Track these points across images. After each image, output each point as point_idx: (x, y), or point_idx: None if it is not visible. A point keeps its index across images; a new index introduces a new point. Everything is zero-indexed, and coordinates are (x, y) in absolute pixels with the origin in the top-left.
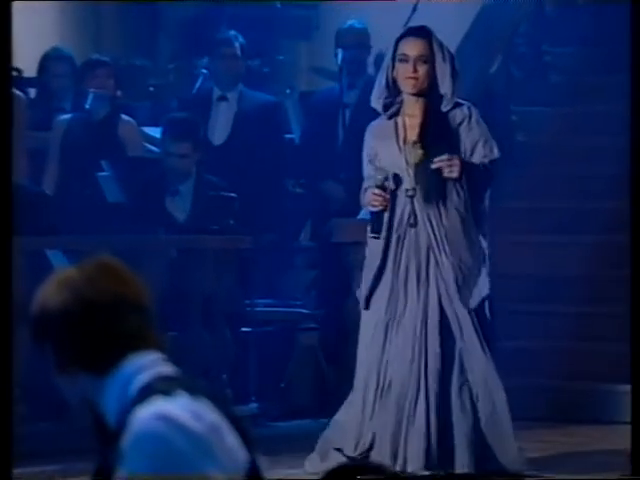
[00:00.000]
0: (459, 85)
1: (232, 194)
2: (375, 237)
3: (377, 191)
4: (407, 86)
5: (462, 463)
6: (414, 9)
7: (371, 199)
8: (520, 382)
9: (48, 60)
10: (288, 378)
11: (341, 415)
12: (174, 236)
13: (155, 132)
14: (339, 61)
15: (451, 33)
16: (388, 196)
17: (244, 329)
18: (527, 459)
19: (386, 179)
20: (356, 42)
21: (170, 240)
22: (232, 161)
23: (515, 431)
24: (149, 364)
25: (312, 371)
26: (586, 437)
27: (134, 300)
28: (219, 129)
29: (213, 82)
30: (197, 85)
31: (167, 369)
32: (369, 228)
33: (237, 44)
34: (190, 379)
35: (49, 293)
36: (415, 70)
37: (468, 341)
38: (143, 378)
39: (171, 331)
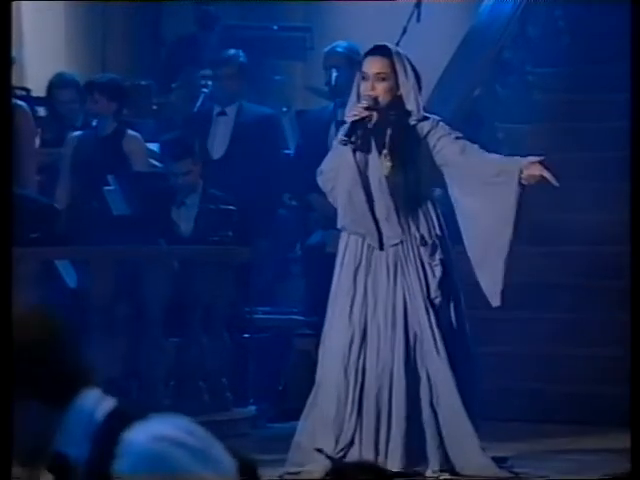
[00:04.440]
0: (425, 99)
1: (231, 207)
2: (344, 141)
3: (360, 105)
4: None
5: (434, 461)
6: (404, 31)
7: (353, 111)
8: (505, 385)
9: (53, 87)
10: (285, 381)
11: (311, 418)
12: (176, 247)
13: (158, 148)
14: (332, 81)
15: (439, 54)
16: (367, 112)
17: (243, 335)
18: (492, 459)
19: (369, 108)
20: (341, 63)
21: (172, 251)
22: (230, 174)
23: (497, 431)
24: (101, 397)
25: (308, 374)
26: (567, 438)
27: (74, 342)
28: (218, 143)
29: (214, 99)
30: (198, 103)
31: (114, 401)
32: (342, 134)
33: (237, 63)
34: (142, 406)
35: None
36: (373, 87)
37: (426, 345)
38: (104, 409)
39: (174, 337)
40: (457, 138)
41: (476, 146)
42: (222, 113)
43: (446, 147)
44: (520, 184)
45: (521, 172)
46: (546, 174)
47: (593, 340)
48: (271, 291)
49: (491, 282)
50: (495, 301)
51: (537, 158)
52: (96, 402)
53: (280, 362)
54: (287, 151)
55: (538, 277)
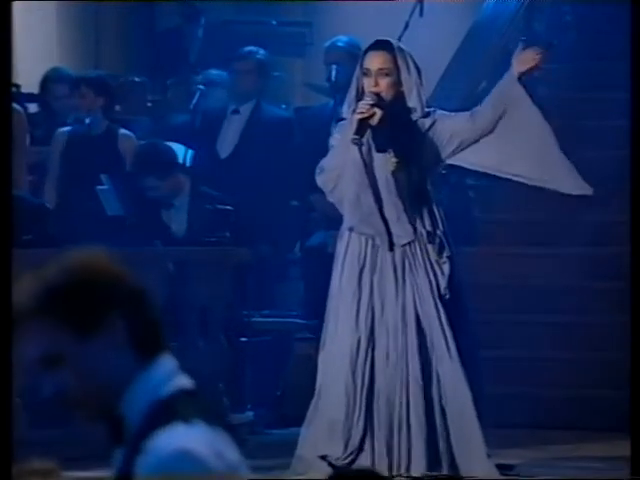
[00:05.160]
0: (428, 94)
1: (228, 207)
2: (355, 140)
3: (366, 103)
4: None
5: (446, 465)
6: (406, 26)
7: (359, 109)
8: (506, 390)
9: (48, 81)
10: (284, 386)
11: (314, 425)
12: (171, 248)
13: None
14: (332, 77)
15: (442, 49)
16: (373, 110)
17: (241, 339)
18: (496, 465)
19: (374, 105)
20: (342, 58)
21: (167, 252)
22: (236, 173)
23: (497, 437)
24: (175, 371)
25: (307, 380)
26: (569, 444)
27: None
28: (227, 142)
29: (229, 96)
30: (194, 101)
31: (186, 381)
32: (353, 133)
33: (254, 59)
34: (201, 396)
35: (108, 265)
36: (376, 84)
37: (437, 346)
38: (170, 386)
39: (170, 341)
40: (455, 115)
41: (468, 112)
42: (236, 111)
43: (454, 127)
44: (525, 89)
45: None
46: (534, 51)
47: (595, 343)
48: (270, 293)
49: (568, 181)
50: (587, 190)
51: (517, 51)
52: (168, 375)
53: (279, 367)
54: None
55: (537, 279)
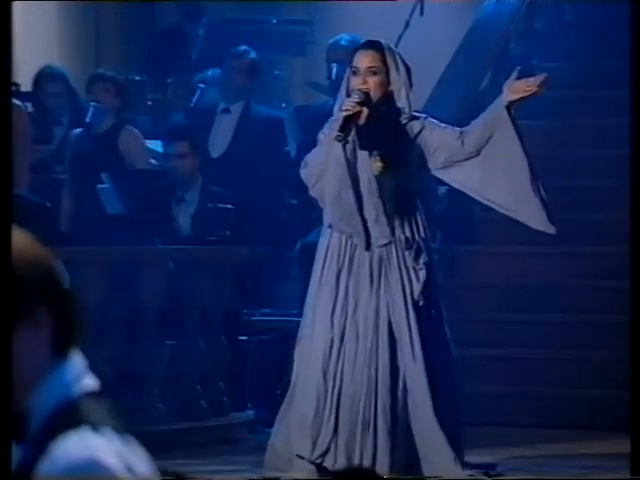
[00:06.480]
0: (428, 94)
1: (229, 205)
2: (339, 137)
3: (352, 100)
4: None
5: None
6: (406, 25)
7: (345, 106)
8: (506, 389)
9: (41, 79)
10: (284, 385)
11: (287, 420)
12: (172, 247)
13: (153, 145)
14: (332, 76)
15: (442, 48)
16: (359, 108)
17: (241, 337)
18: (480, 465)
19: (361, 103)
20: (343, 57)
21: (168, 251)
22: (229, 173)
23: (497, 436)
24: (84, 372)
25: None
26: (568, 442)
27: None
28: (219, 141)
29: (219, 94)
30: (194, 99)
31: (93, 383)
32: (337, 130)
33: (247, 58)
34: (106, 399)
35: (42, 254)
36: (364, 82)
37: (405, 351)
38: (79, 387)
39: (170, 340)
40: (445, 128)
41: (459, 130)
42: (226, 110)
43: (441, 140)
44: (510, 117)
45: (508, 105)
46: (527, 82)
47: (595, 343)
48: (270, 292)
49: (536, 216)
50: (550, 229)
51: (510, 79)
52: (78, 375)
53: (279, 365)
54: (286, 148)
55: (536, 278)
